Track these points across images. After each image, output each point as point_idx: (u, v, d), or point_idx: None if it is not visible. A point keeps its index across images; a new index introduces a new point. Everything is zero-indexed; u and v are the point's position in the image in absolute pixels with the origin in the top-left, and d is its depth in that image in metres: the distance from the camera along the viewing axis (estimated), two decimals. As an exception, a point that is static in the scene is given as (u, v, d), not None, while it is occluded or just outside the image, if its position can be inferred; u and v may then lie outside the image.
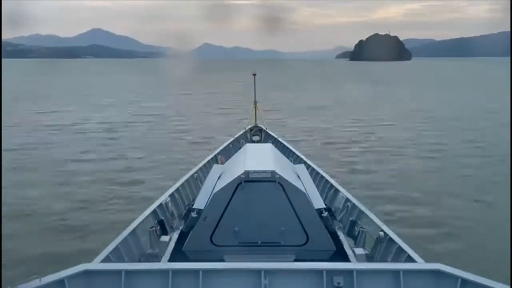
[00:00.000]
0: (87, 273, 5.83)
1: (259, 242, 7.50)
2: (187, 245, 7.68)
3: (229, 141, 16.00)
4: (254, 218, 7.48)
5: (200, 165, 12.68)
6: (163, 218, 8.82)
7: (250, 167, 7.71)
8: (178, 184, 10.60)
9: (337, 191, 10.45)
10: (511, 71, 64.44)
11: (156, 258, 7.80)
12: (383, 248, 7.75)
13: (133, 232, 7.94)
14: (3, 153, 22.01)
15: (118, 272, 5.84)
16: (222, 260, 7.09)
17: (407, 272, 5.91)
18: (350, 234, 8.66)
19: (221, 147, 15.14)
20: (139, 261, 7.65)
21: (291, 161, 11.82)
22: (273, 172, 7.52)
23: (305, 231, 7.53)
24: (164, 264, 7.19)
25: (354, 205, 9.37)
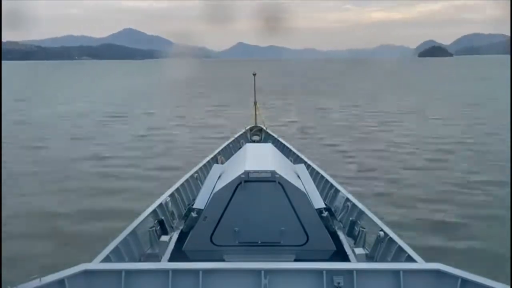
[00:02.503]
0: (87, 273, 5.83)
1: (259, 242, 7.50)
2: (187, 245, 7.68)
3: (229, 141, 15.99)
4: (254, 218, 7.48)
5: (200, 165, 12.67)
6: (163, 218, 8.82)
7: (250, 167, 7.70)
8: (178, 184, 10.59)
9: (337, 191, 10.45)
10: (511, 70, 64.34)
11: (156, 258, 7.80)
12: (383, 248, 7.75)
13: (133, 232, 7.94)
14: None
15: (118, 272, 5.85)
16: (222, 260, 7.10)
17: (407, 272, 5.91)
18: (350, 234, 8.66)
19: (221, 147, 15.13)
20: (139, 261, 7.65)
21: (291, 161, 11.82)
22: (273, 172, 7.52)
23: (305, 231, 7.53)
24: (164, 264, 7.19)
25: (354, 205, 9.37)
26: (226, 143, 15.75)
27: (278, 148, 12.69)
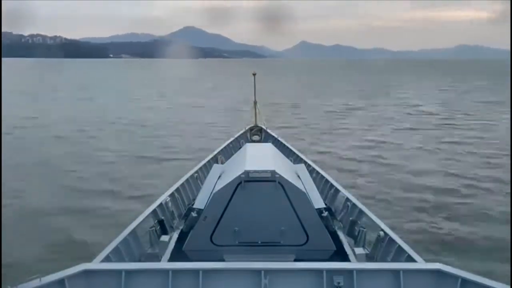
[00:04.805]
0: (87, 273, 5.83)
1: (259, 242, 7.50)
2: (187, 244, 7.69)
3: (229, 141, 15.99)
4: (254, 218, 7.48)
5: (200, 165, 12.67)
6: (163, 217, 8.82)
7: (250, 167, 7.71)
8: (178, 184, 10.59)
9: (337, 191, 10.44)
10: (511, 71, 64.45)
11: (156, 258, 7.80)
12: (383, 248, 7.75)
13: (133, 232, 7.94)
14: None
15: (118, 272, 5.85)
16: (222, 260, 7.09)
17: (407, 272, 5.91)
18: (350, 233, 8.65)
19: (221, 147, 15.13)
20: (139, 261, 7.65)
21: (291, 161, 11.83)
22: (273, 172, 7.53)
23: (305, 231, 7.53)
24: (164, 264, 7.19)
25: (354, 205, 9.36)
26: (226, 143, 15.74)
27: (278, 148, 12.68)
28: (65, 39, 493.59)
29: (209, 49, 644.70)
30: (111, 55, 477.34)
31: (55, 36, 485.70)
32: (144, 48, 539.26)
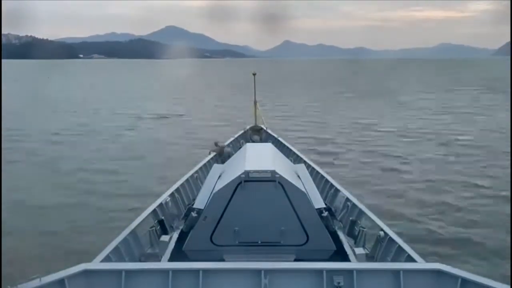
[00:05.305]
0: (87, 272, 5.84)
1: (259, 242, 7.50)
2: (187, 244, 7.68)
3: (229, 141, 15.99)
4: (254, 217, 7.48)
5: (200, 165, 12.67)
6: (163, 217, 8.82)
7: (250, 167, 7.71)
8: (178, 184, 10.59)
9: (337, 190, 10.44)
10: (511, 71, 64.42)
11: (156, 257, 7.80)
12: (383, 247, 7.75)
13: (133, 232, 7.94)
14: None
15: (118, 272, 5.85)
16: (222, 260, 7.10)
17: (407, 271, 5.91)
18: (350, 233, 8.65)
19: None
20: (139, 261, 7.65)
21: (291, 161, 11.83)
22: (273, 172, 7.52)
23: (305, 231, 7.53)
24: (164, 264, 7.19)
25: (354, 205, 9.36)
26: (226, 143, 15.74)
27: (278, 148, 12.68)
28: (34, 38, 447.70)
29: (190, 49, 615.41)
30: (81, 56, 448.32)
31: (23, 36, 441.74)
32: (120, 48, 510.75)
